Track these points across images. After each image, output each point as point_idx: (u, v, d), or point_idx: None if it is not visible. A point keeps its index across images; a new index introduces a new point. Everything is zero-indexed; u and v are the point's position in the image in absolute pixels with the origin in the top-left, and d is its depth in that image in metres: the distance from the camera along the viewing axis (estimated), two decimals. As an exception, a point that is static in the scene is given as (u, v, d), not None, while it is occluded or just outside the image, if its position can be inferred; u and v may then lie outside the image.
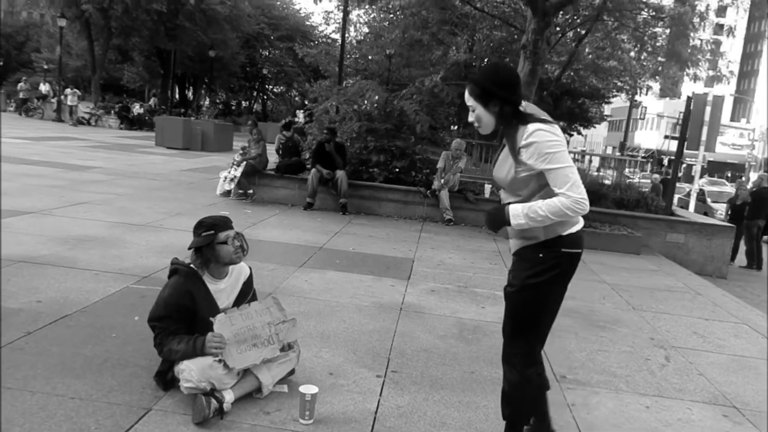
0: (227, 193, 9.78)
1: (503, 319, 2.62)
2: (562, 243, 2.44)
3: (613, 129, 61.06)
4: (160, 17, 32.08)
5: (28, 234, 5.87)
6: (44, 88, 28.88)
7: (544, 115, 2.49)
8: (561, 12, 14.51)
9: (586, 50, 19.81)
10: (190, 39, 33.53)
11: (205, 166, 14.23)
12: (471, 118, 2.50)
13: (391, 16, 19.53)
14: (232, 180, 9.59)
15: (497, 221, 2.46)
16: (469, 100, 2.46)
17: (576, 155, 20.24)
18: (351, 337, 4.07)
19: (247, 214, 8.53)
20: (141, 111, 27.96)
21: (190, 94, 45.96)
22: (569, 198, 2.30)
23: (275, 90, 51.92)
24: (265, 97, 52.68)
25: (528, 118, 2.39)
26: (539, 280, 2.45)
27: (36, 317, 3.78)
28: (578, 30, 17.42)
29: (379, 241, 7.60)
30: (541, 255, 2.44)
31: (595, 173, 12.78)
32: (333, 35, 28.75)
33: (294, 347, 3.21)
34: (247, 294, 3.26)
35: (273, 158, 11.11)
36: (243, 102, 52.71)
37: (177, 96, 41.63)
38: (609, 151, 56.70)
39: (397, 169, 10.10)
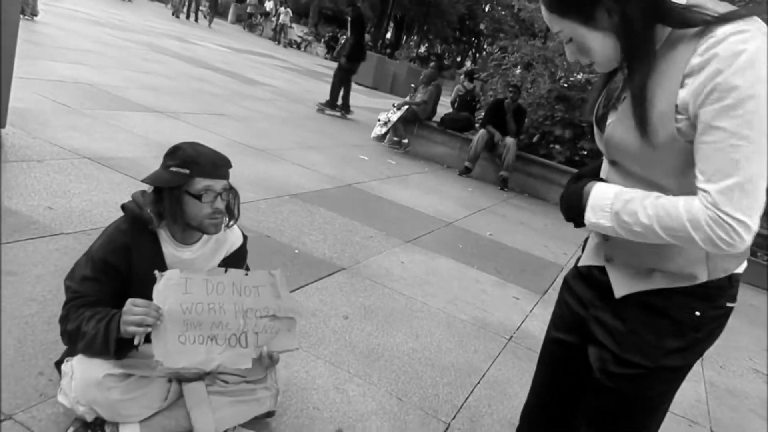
0: (381, 138, 8.69)
1: (591, 416, 1.42)
2: (731, 291, 1.28)
3: None
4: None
5: (130, 132, 5.24)
6: (269, 5, 30.12)
7: (725, 5, 1.11)
8: None
9: None
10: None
11: (377, 107, 13.29)
12: (571, 56, 1.25)
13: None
14: (385, 124, 8.47)
15: (571, 209, 1.29)
16: (553, 23, 1.21)
17: None
18: (411, 368, 2.72)
19: (389, 164, 7.37)
20: (348, 44, 28.06)
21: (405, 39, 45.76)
22: (719, 212, 1.07)
23: (491, 50, 49.91)
24: (477, 55, 50.88)
25: (699, 15, 1.07)
26: (689, 360, 1.32)
27: (40, 227, 2.97)
28: None
29: (530, 231, 6.01)
30: (698, 313, 1.27)
31: None
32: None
33: (269, 384, 1.94)
34: (231, 274, 2.04)
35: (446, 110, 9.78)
36: (457, 57, 51.44)
37: (392, 37, 41.57)
38: None
39: (585, 152, 8.20)
